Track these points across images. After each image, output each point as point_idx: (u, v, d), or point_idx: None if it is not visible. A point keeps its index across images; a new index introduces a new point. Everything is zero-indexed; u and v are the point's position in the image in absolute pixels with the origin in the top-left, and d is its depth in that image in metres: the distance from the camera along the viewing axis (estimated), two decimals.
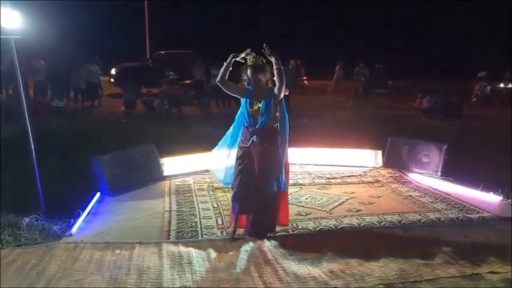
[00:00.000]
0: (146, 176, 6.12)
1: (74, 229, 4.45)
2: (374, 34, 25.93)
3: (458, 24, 25.20)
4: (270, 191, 4.27)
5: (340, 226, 4.66)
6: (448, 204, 5.40)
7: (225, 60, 4.27)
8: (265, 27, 26.33)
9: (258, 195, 4.27)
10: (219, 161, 4.54)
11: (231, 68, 4.28)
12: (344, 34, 25.77)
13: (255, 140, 4.26)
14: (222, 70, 4.28)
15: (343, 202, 5.46)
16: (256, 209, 4.31)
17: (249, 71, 4.28)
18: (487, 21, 24.04)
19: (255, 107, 4.28)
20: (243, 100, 4.37)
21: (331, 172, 6.76)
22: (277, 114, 4.32)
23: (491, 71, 16.67)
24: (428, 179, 6.37)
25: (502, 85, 17.17)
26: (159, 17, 24.91)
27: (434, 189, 5.97)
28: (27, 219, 4.48)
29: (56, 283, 3.43)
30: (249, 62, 4.28)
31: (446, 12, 25.70)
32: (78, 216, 4.70)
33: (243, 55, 4.27)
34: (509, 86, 17.07)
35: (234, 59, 4.26)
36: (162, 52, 19.38)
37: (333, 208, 5.23)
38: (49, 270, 3.62)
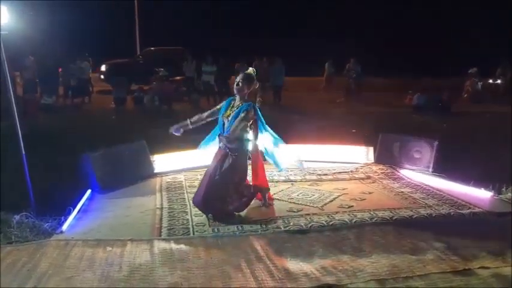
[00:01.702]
0: (137, 173, 6.09)
1: (65, 226, 4.40)
2: (371, 32, 25.92)
3: (452, 20, 25.30)
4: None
5: (332, 222, 4.66)
6: (440, 200, 5.42)
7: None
8: (255, 24, 26.30)
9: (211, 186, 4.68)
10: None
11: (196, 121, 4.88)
12: (340, 30, 25.69)
13: (221, 145, 4.77)
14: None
15: (334, 198, 5.46)
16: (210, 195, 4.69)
17: (240, 75, 4.75)
18: (480, 18, 24.14)
19: (227, 114, 4.71)
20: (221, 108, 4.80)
21: (323, 168, 6.76)
22: (247, 128, 4.71)
23: (482, 67, 16.80)
24: (419, 175, 6.40)
25: (491, 81, 17.32)
26: (149, 13, 24.74)
27: (425, 185, 6.00)
28: (17, 217, 4.43)
29: (47, 280, 3.39)
30: (248, 70, 4.82)
31: (438, 7, 25.74)
32: (69, 213, 4.66)
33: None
34: (498, 81, 17.24)
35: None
36: (152, 48, 19.31)
37: (325, 204, 5.24)
38: (40, 267, 3.59)
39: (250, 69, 4.85)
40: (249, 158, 4.91)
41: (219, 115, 4.78)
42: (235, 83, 4.70)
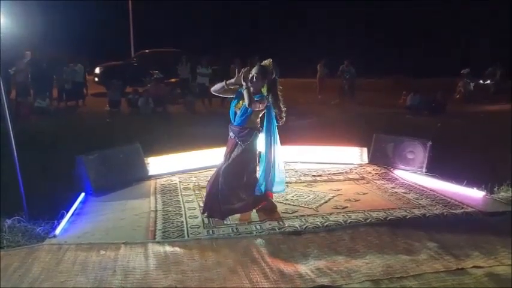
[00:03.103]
0: (131, 176, 6.06)
1: (58, 230, 4.37)
2: (364, 32, 25.93)
3: (444, 21, 25.39)
4: (255, 194, 4.77)
5: (327, 223, 4.65)
6: (433, 200, 5.43)
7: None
8: (250, 25, 26.28)
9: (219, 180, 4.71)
10: None
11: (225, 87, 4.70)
12: (333, 30, 25.68)
13: (231, 135, 4.73)
14: (218, 88, 4.77)
15: (329, 199, 5.46)
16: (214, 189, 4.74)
17: (256, 67, 4.62)
18: (473, 19, 24.25)
19: (239, 105, 4.65)
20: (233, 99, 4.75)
21: (317, 169, 6.76)
22: (258, 119, 4.69)
23: (473, 67, 16.91)
24: (413, 175, 6.41)
25: (481, 81, 17.46)
26: (143, 15, 24.69)
27: (419, 185, 6.01)
28: (9, 221, 4.38)
29: (39, 285, 3.37)
30: (263, 62, 4.69)
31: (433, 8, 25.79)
32: (62, 217, 4.63)
33: (233, 81, 4.64)
34: (488, 82, 17.38)
35: (229, 84, 4.66)
36: (147, 51, 19.26)
37: (319, 205, 5.24)
38: (32, 272, 3.56)
39: (266, 61, 4.70)
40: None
41: (232, 105, 4.75)
42: (251, 77, 4.53)
